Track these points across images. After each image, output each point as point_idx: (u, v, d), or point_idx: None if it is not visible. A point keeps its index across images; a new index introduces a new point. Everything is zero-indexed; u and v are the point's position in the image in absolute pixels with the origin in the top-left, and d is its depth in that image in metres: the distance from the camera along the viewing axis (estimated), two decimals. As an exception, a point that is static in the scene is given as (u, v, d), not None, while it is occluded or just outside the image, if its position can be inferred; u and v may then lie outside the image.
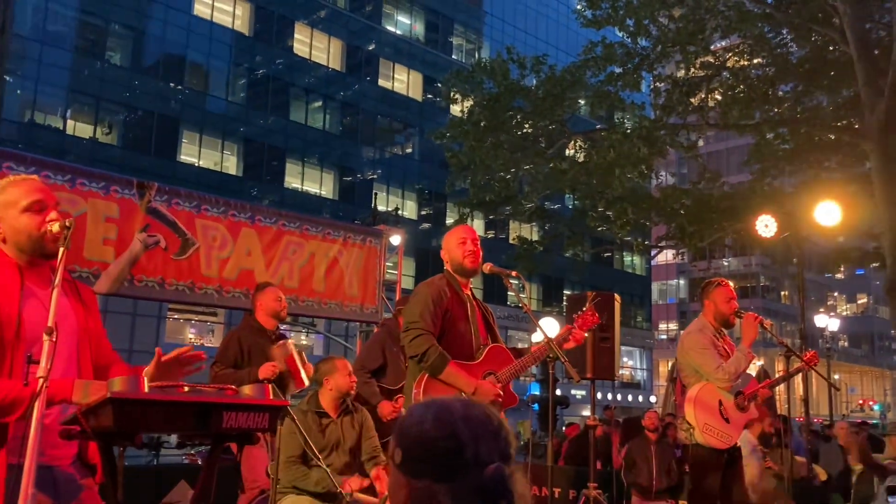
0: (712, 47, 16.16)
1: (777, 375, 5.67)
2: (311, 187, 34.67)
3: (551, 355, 3.74)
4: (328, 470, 4.02)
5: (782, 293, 53.49)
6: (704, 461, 4.56)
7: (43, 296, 2.34)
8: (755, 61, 16.30)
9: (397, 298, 7.87)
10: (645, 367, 48.71)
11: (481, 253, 3.86)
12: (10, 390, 2.10)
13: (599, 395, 36.30)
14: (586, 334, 3.89)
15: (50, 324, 2.07)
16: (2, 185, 2.41)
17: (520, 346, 4.24)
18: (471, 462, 1.26)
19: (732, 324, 4.84)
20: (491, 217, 20.60)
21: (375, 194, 32.37)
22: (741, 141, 32.82)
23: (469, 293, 3.85)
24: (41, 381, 2.02)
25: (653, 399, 43.51)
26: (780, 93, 16.35)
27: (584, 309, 3.88)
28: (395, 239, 7.98)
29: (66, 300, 2.42)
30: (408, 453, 1.30)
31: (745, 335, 4.71)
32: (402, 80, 38.30)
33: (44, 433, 2.15)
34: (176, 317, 29.65)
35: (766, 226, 11.91)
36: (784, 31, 15.80)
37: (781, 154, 16.73)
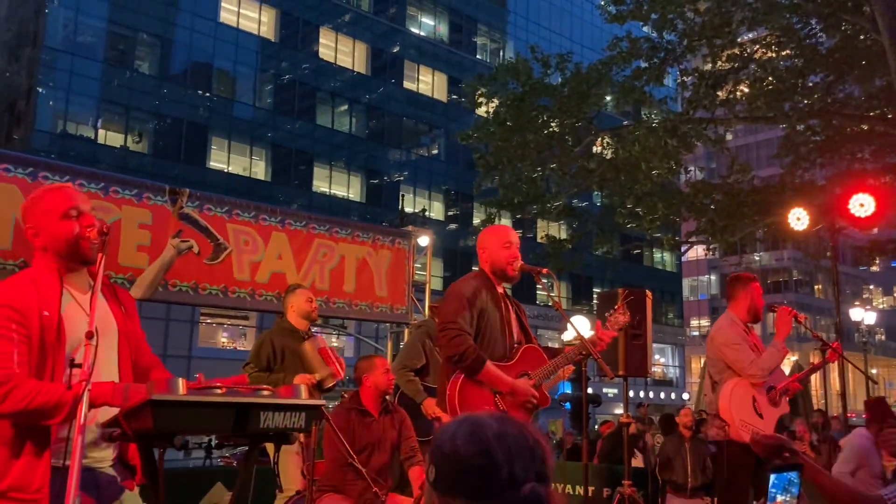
0: (739, 40, 15.98)
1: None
2: (339, 190, 34.85)
3: (584, 352, 3.73)
4: (363, 469, 4.04)
5: (816, 287, 52.71)
6: (739, 458, 4.51)
7: (82, 300, 2.40)
8: (783, 53, 16.08)
9: (427, 299, 7.90)
10: (677, 364, 48.29)
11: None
12: (54, 393, 2.15)
13: (632, 393, 36.01)
14: (617, 333, 3.86)
15: (91, 328, 2.11)
16: (38, 195, 2.47)
17: (550, 345, 4.23)
18: (505, 482, 1.21)
19: (760, 318, 4.79)
20: (518, 216, 20.56)
21: (402, 196, 32.46)
22: (771, 134, 32.45)
23: (503, 292, 3.83)
24: (84, 384, 2.06)
25: (685, 396, 43.10)
26: (810, 84, 16.12)
27: (616, 307, 3.87)
28: (424, 240, 8.00)
29: (105, 304, 2.47)
30: (441, 471, 1.26)
31: (779, 330, 4.65)
32: (427, 82, 38.37)
33: (86, 436, 2.20)
34: (209, 321, 29.96)
35: (799, 219, 11.72)
36: (813, 21, 15.57)
37: (812, 146, 16.49)
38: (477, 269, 3.92)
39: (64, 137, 27.97)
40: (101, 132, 29.25)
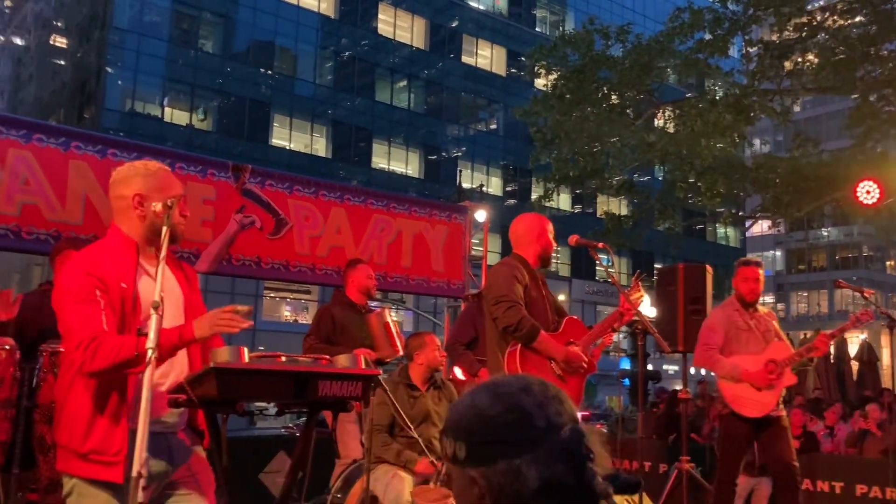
0: (808, 7, 15.43)
1: (883, 349, 5.47)
2: (398, 167, 35.03)
3: (639, 326, 3.80)
4: (419, 439, 4.13)
5: (888, 263, 50.91)
6: (733, 430, 4.73)
7: (154, 273, 2.49)
8: (855, 20, 15.46)
9: (483, 274, 7.93)
10: (740, 341, 47.34)
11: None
12: (134, 345, 2.24)
13: (693, 370, 35.51)
14: (633, 314, 3.93)
15: (157, 297, 2.20)
16: (151, 170, 2.53)
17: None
18: (543, 428, 1.16)
19: (750, 301, 4.87)
20: (578, 191, 20.34)
21: (460, 172, 32.43)
22: (841, 105, 31.32)
23: (536, 272, 4.01)
24: (150, 352, 2.15)
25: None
26: (884, 52, 15.47)
27: (632, 286, 4.00)
28: (480, 215, 8.00)
29: (173, 276, 2.57)
30: (472, 444, 1.18)
31: (753, 377, 4.65)
32: (486, 56, 38.10)
33: (159, 401, 2.31)
34: (272, 295, 30.62)
35: (869, 192, 11.34)
36: (891, -15, 14.91)
37: (885, 116, 15.87)
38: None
39: (132, 116, 28.73)
40: (168, 111, 29.95)
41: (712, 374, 4.93)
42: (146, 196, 2.46)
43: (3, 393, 3.70)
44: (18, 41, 41.04)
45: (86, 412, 2.31)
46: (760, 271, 4.90)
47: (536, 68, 17.40)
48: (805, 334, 13.30)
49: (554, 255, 4.12)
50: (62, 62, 34.29)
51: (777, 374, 4.65)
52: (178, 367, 2.47)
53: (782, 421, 4.74)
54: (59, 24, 35.03)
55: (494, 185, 37.10)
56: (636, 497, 5.46)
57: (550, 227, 4.05)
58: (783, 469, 4.65)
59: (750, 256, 5.16)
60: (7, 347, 3.76)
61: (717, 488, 4.85)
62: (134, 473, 2.09)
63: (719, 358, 4.74)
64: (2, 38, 43.53)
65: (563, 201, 34.62)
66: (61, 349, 3.48)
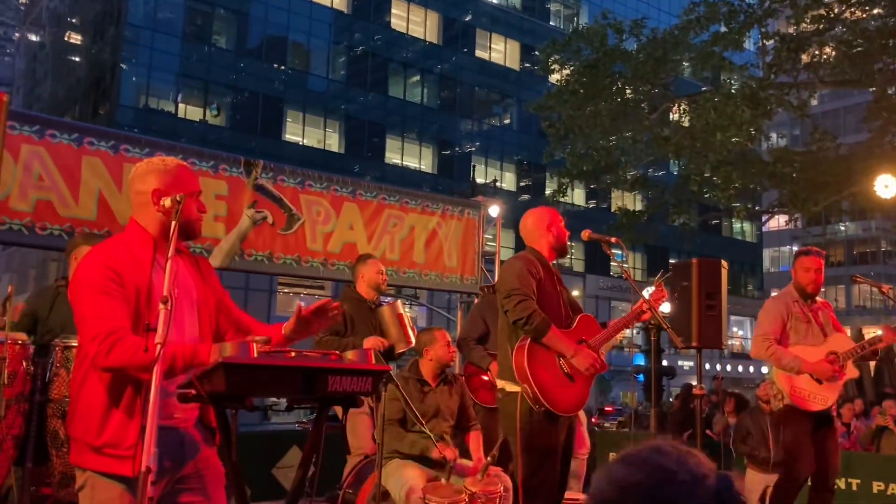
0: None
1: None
2: (411, 162, 35.01)
3: (653, 322, 3.75)
4: (431, 434, 4.11)
5: (906, 258, 50.50)
6: (798, 424, 4.50)
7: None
8: (874, 12, 15.29)
9: (497, 269, 7.91)
10: (756, 337, 47.05)
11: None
12: (152, 350, 2.20)
13: (708, 366, 35.30)
14: (650, 312, 3.87)
15: (165, 293, 2.19)
16: (170, 166, 2.53)
17: (622, 316, 4.27)
18: (689, 482, 1.12)
19: (811, 293, 4.72)
20: (592, 186, 20.24)
21: (474, 167, 32.36)
22: (860, 98, 31.03)
23: (552, 266, 3.96)
24: (158, 347, 2.14)
25: (764, 370, 42.04)
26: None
27: (655, 286, 3.95)
28: (494, 210, 7.97)
29: (187, 271, 2.56)
30: None
31: (815, 366, 4.52)
32: (500, 50, 37.99)
33: (171, 396, 2.30)
34: (286, 290, 30.69)
35: (887, 186, 11.23)
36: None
37: (904, 109, 15.69)
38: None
39: (146, 112, 28.86)
40: (182, 106, 30.06)
41: (772, 366, 4.70)
42: (164, 192, 2.46)
43: (16, 387, 3.70)
44: (34, 38, 41.31)
45: (100, 406, 2.31)
46: (822, 261, 4.74)
47: (550, 63, 17.30)
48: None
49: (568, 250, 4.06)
50: (77, 59, 34.47)
51: (839, 366, 4.52)
52: None
53: (834, 421, 4.62)
54: (74, 20, 35.23)
55: (508, 181, 37.02)
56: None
57: (559, 218, 4.00)
58: (826, 471, 4.51)
59: (810, 247, 4.93)
60: (20, 342, 3.77)
61: (784, 484, 4.62)
62: (143, 468, 2.08)
63: (778, 348, 4.57)
64: (17, 34, 43.84)
65: (577, 196, 34.51)
66: (74, 344, 3.49)
